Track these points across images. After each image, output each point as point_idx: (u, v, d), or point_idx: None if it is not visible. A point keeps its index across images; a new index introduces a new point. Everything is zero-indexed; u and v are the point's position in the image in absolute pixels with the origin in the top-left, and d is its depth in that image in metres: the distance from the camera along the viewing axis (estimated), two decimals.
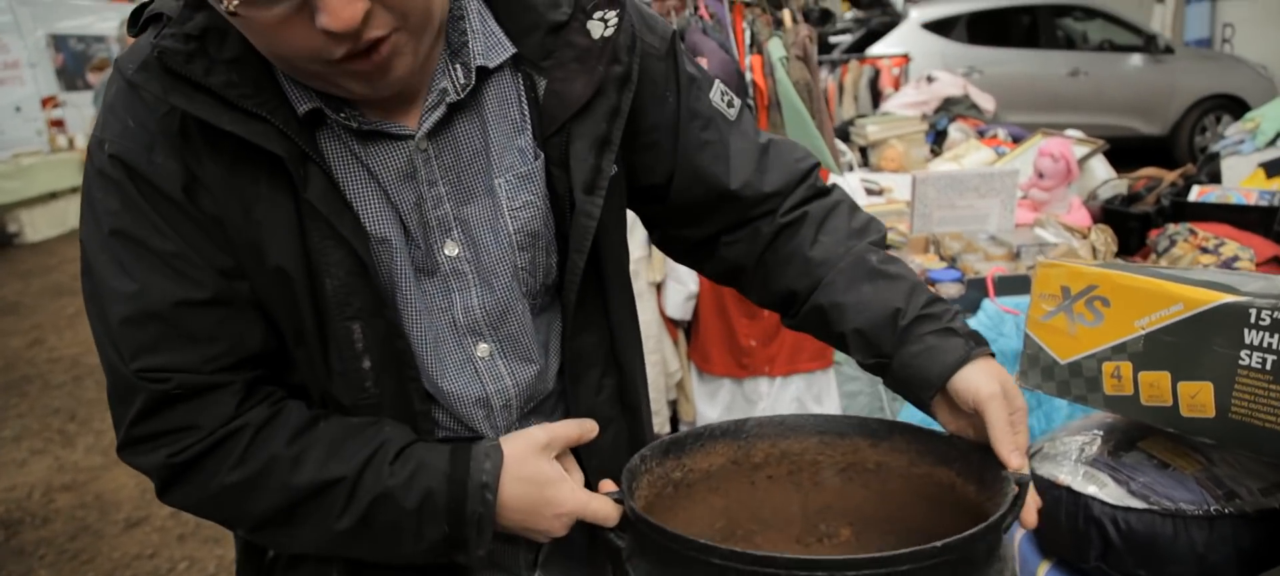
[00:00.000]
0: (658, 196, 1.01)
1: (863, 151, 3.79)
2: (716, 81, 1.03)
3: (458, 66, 0.84)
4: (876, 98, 5.70)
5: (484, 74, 0.86)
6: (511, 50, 0.87)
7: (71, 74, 10.87)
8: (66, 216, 9.70)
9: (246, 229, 0.80)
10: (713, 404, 2.44)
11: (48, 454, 4.04)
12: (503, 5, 0.88)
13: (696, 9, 2.31)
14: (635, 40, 0.90)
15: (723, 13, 2.25)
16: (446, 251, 0.87)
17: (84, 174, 0.81)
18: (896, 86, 5.71)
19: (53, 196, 9.49)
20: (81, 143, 10.00)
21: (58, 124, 10.40)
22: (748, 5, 2.15)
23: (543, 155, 0.89)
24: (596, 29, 0.87)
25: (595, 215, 0.88)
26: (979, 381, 0.85)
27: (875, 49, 7.33)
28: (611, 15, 0.87)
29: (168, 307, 0.79)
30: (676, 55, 0.97)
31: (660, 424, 2.54)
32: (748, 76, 2.26)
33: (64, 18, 11.23)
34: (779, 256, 1.01)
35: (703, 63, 2.24)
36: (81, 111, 10.42)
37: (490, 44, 0.86)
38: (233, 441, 0.81)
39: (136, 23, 0.82)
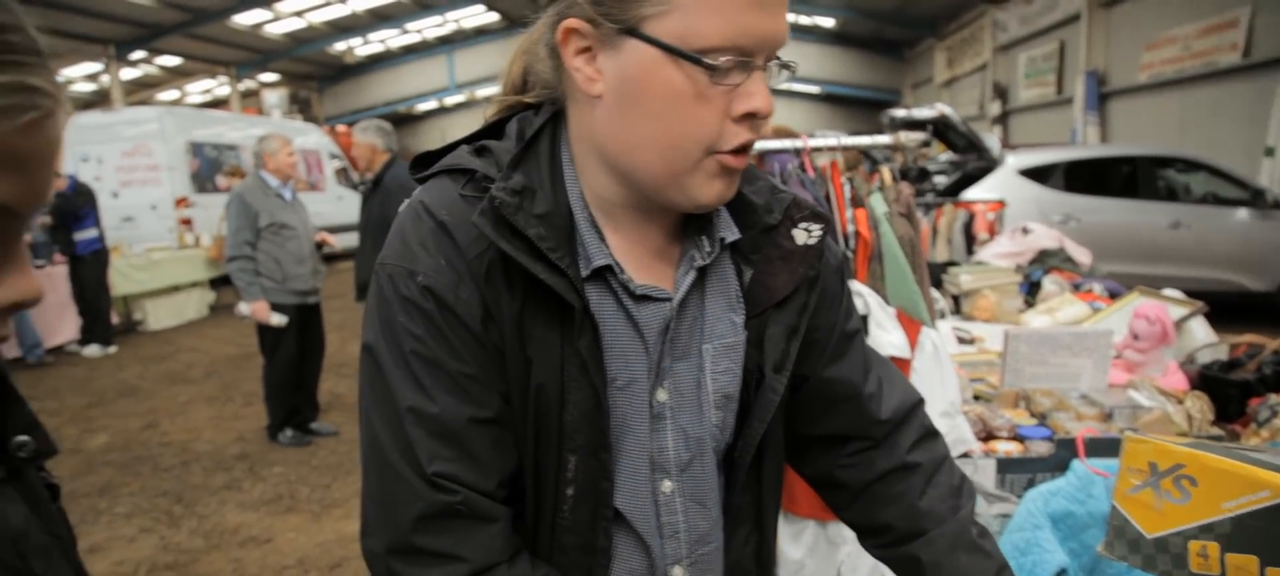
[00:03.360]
0: (795, 385, 1.12)
1: (955, 299, 3.81)
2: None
3: (703, 238, 1.00)
4: (970, 241, 5.72)
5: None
6: (738, 234, 1.01)
7: (203, 178, 11.68)
8: (185, 309, 10.28)
9: (521, 362, 0.91)
10: (796, 545, 2.45)
11: (154, 533, 4.24)
12: (733, 200, 1.01)
13: (801, 163, 2.42)
14: (825, 252, 1.05)
15: (827, 166, 2.36)
16: (657, 397, 0.98)
17: (379, 294, 0.91)
18: (991, 232, 5.71)
19: (175, 289, 10.09)
20: (206, 241, 10.67)
21: (186, 222, 11.13)
22: (850, 170, 2.26)
23: (746, 333, 1.02)
24: (800, 237, 1.02)
25: (780, 391, 1.01)
26: None
27: (970, 193, 7.34)
28: (816, 228, 1.02)
29: (461, 424, 0.89)
30: (844, 272, 1.14)
31: None
32: (851, 227, 2.36)
33: (202, 126, 12.16)
34: (887, 493, 1.13)
35: None
36: (208, 212, 11.16)
37: (726, 224, 1.01)
38: None
39: (421, 166, 0.99)
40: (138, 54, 21.11)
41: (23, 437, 0.58)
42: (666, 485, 1.01)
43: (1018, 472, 2.25)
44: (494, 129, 1.02)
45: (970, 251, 5.50)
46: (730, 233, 1.00)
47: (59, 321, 8.68)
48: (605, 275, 0.95)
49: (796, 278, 1.01)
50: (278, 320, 5.21)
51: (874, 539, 1.16)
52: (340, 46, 25.97)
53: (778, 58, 0.88)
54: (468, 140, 1.00)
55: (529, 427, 0.93)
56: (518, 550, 0.94)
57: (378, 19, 24.01)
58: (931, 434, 1.17)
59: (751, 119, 0.87)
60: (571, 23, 0.88)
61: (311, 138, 14.28)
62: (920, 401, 1.18)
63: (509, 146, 0.96)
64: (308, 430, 5.63)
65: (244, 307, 5.22)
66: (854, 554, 2.38)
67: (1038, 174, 8.09)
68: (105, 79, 21.20)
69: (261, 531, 4.23)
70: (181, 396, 6.80)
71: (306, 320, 5.47)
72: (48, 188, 0.53)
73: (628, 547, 1.02)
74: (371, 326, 0.92)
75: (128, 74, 22.66)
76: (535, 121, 0.97)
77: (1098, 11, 14.38)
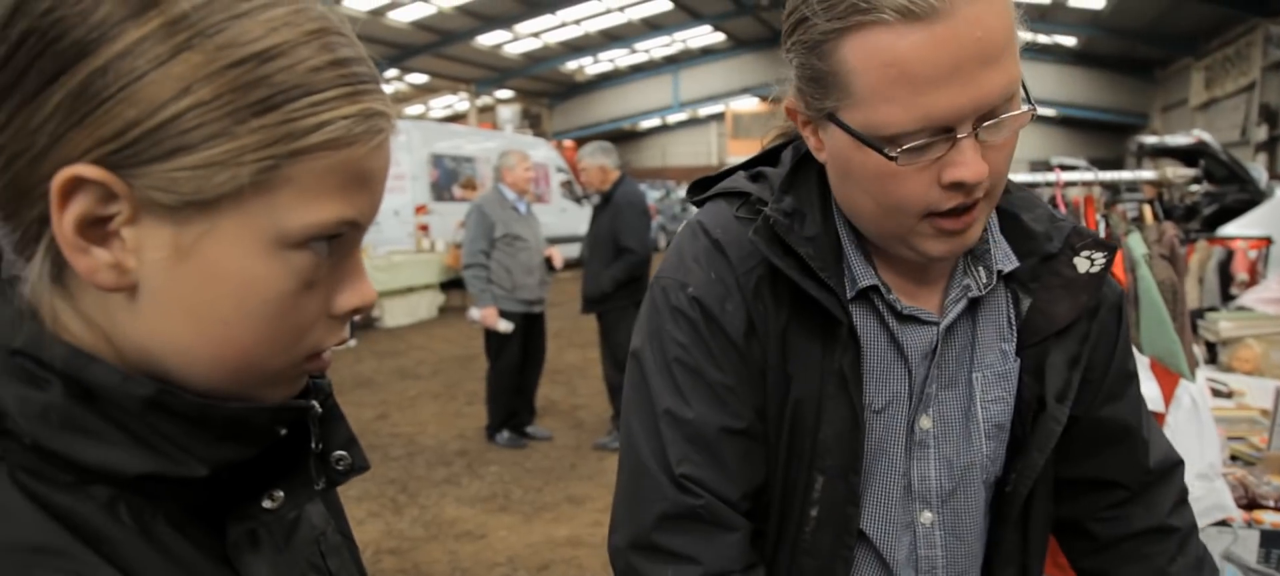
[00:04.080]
0: (1066, 424, 1.07)
1: (1210, 347, 3.45)
2: None
3: (980, 268, 0.99)
4: (1226, 282, 5.17)
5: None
6: (1016, 263, 0.99)
7: (441, 187, 12.52)
8: (417, 309, 11.02)
9: (782, 377, 0.95)
10: None
11: (381, 518, 4.54)
12: (1010, 227, 1.02)
13: (1053, 199, 2.27)
14: (1105, 283, 1.02)
15: (1080, 203, 2.20)
16: (920, 424, 0.98)
17: (651, 305, 0.99)
18: (1252, 272, 5.14)
19: (411, 290, 10.84)
20: (441, 247, 11.43)
21: (424, 228, 11.96)
22: (1108, 207, 2.07)
23: (1018, 361, 1.00)
24: (1082, 265, 0.99)
25: (1062, 421, 0.98)
26: None
27: (1229, 228, 6.60)
28: (1099, 257, 0.99)
29: (713, 431, 0.93)
30: (1123, 310, 1.09)
31: None
32: None
33: (443, 139, 13.06)
34: (1138, 552, 1.08)
35: None
36: (444, 219, 11.92)
37: (1003, 254, 1.00)
38: None
39: (698, 191, 1.05)
40: (391, 72, 23.11)
41: (342, 453, 0.63)
42: (926, 516, 0.99)
43: None
44: (770, 155, 1.05)
45: (1226, 294, 4.97)
46: (1007, 263, 0.99)
47: None
48: (871, 296, 0.96)
49: (1079, 306, 0.98)
50: (504, 326, 5.47)
51: None
52: (571, 65, 27.24)
53: (1023, 88, 0.84)
54: (744, 166, 1.05)
55: (782, 443, 0.95)
56: (753, 564, 0.95)
57: (608, 39, 25.01)
58: (1186, 498, 1.11)
59: (960, 186, 0.84)
60: (789, 102, 0.92)
61: (540, 152, 14.99)
62: (1181, 462, 1.12)
63: (783, 172, 0.99)
64: (524, 433, 5.87)
65: (475, 312, 5.54)
66: None
67: None
68: None
69: (476, 527, 4.45)
70: (410, 391, 7.25)
71: (531, 328, 5.72)
72: (381, 201, 0.59)
73: None
74: (640, 334, 0.98)
75: None
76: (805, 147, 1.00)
77: None
